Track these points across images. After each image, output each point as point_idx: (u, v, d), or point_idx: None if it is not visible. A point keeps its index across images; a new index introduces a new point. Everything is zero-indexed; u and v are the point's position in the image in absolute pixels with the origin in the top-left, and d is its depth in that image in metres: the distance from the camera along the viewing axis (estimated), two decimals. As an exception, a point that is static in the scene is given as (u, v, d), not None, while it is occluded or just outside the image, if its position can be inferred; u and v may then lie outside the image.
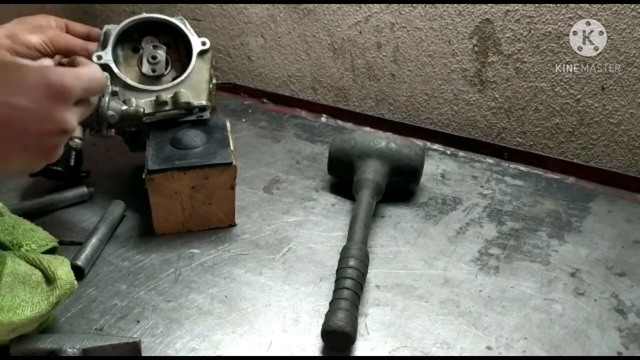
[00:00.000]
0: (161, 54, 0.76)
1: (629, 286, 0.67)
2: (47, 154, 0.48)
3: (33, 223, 0.69)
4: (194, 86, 0.75)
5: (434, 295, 0.65)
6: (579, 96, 0.84)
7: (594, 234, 0.75)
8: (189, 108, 0.74)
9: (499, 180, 0.86)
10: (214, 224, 0.74)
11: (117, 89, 0.72)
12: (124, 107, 0.71)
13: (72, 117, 0.48)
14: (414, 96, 0.96)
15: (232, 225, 0.75)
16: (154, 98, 0.73)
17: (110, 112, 0.70)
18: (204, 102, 0.74)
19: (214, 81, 0.80)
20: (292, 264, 0.69)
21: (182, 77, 0.75)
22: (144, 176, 0.68)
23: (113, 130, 0.72)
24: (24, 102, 0.43)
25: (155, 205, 0.70)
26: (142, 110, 0.72)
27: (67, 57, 0.70)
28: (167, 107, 0.74)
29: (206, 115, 0.76)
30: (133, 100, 0.72)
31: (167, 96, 0.74)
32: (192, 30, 0.77)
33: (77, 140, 0.70)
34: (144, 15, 0.76)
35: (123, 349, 0.56)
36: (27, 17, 0.66)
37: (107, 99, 0.69)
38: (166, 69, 0.76)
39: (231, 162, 0.69)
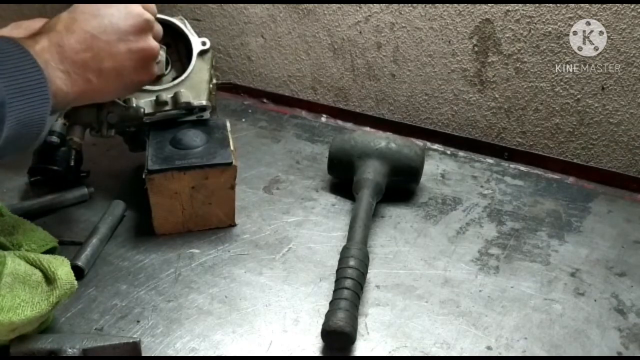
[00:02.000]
0: (161, 54, 0.76)
1: (629, 286, 0.67)
2: (147, 47, 0.61)
3: (33, 223, 0.69)
4: (194, 86, 0.75)
5: (434, 295, 0.65)
6: (579, 96, 0.84)
7: (594, 234, 0.75)
8: (189, 108, 0.74)
9: (499, 180, 0.86)
10: (214, 224, 0.74)
11: None
12: (124, 108, 0.71)
13: (144, 11, 0.61)
14: (414, 96, 0.96)
15: (232, 225, 0.75)
16: (154, 98, 0.73)
17: (111, 113, 0.70)
18: (204, 102, 0.74)
19: (214, 81, 0.80)
20: (292, 264, 0.69)
21: (182, 77, 0.75)
22: (144, 176, 0.68)
23: (113, 130, 0.73)
24: (106, 10, 0.58)
25: (155, 205, 0.70)
26: (142, 110, 0.72)
27: None
28: (167, 107, 0.74)
29: (206, 115, 0.76)
30: (133, 100, 0.72)
31: (167, 96, 0.74)
32: (192, 30, 0.77)
33: (76, 140, 0.70)
34: None
35: (123, 349, 0.56)
36: (23, 21, 0.66)
37: None
38: (166, 69, 0.77)
39: (231, 162, 0.69)
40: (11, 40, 0.51)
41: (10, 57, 0.49)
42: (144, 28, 0.60)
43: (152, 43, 0.62)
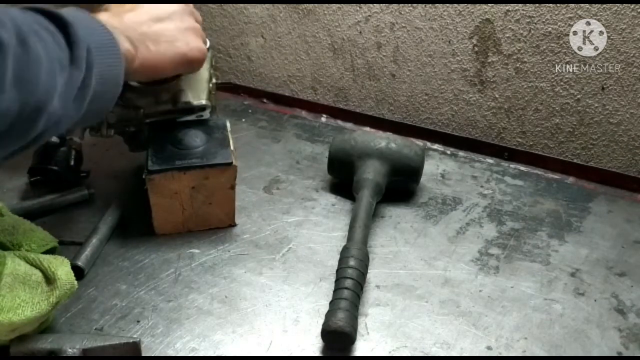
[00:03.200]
0: None
1: (629, 286, 0.67)
2: (191, 25, 0.67)
3: (33, 223, 0.69)
4: (194, 85, 0.75)
5: (434, 295, 0.65)
6: (579, 96, 0.84)
7: (594, 234, 0.75)
8: (189, 107, 0.74)
9: (499, 180, 0.86)
10: (214, 224, 0.74)
11: None
12: (124, 107, 0.71)
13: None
14: (414, 96, 0.96)
15: (232, 225, 0.75)
16: (153, 98, 0.73)
17: (110, 112, 0.70)
18: (203, 102, 0.74)
19: (214, 81, 0.80)
20: (292, 264, 0.69)
21: (182, 77, 0.75)
22: (144, 176, 0.68)
23: (113, 129, 0.72)
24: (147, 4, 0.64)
25: (156, 206, 0.70)
26: (141, 110, 0.72)
27: None
28: (167, 107, 0.73)
29: (206, 114, 0.76)
30: (133, 99, 0.72)
31: (166, 96, 0.73)
32: None
33: (76, 140, 0.70)
34: None
35: (123, 349, 0.56)
36: None
37: None
38: None
39: (231, 162, 0.69)
40: (76, 8, 0.53)
41: (80, 18, 0.51)
42: (185, 10, 0.67)
43: (195, 23, 0.68)
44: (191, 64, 0.67)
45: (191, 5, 0.69)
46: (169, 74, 0.67)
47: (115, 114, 0.70)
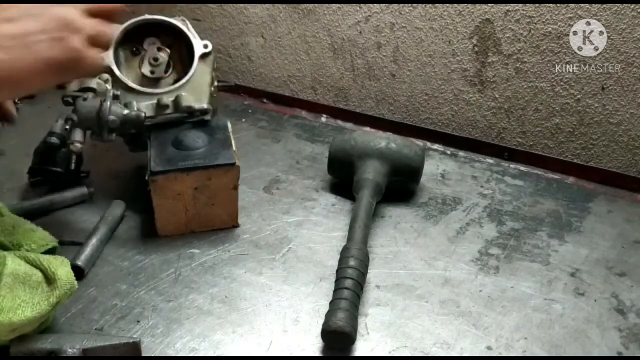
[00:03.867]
0: (163, 56, 0.76)
1: (629, 286, 0.67)
2: (71, 25, 0.52)
3: (33, 223, 0.69)
4: (196, 89, 0.75)
5: (434, 295, 0.65)
6: (579, 96, 0.84)
7: (594, 234, 0.75)
8: (191, 112, 0.74)
9: (499, 180, 0.86)
10: (217, 224, 0.74)
11: (118, 92, 0.71)
12: (125, 112, 0.70)
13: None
14: (414, 96, 0.96)
15: (235, 225, 0.75)
16: (155, 101, 0.73)
17: (112, 117, 0.69)
18: (205, 106, 0.74)
19: (216, 83, 0.79)
20: (292, 264, 0.69)
21: (184, 81, 0.75)
22: (146, 177, 0.67)
23: (114, 134, 0.72)
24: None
25: (159, 207, 0.70)
26: (143, 114, 0.71)
27: None
28: (169, 111, 0.73)
29: (207, 118, 0.75)
30: (134, 103, 0.72)
31: (168, 99, 0.73)
32: (194, 33, 0.77)
33: (77, 145, 0.69)
34: (146, 16, 0.76)
35: (123, 349, 0.56)
36: None
37: (108, 103, 0.69)
38: (166, 72, 0.76)
39: (234, 163, 0.69)
40: None
41: None
42: (56, 6, 0.53)
43: (76, 18, 0.53)
44: (68, 70, 0.53)
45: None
46: (35, 85, 0.52)
47: (117, 118, 0.70)
